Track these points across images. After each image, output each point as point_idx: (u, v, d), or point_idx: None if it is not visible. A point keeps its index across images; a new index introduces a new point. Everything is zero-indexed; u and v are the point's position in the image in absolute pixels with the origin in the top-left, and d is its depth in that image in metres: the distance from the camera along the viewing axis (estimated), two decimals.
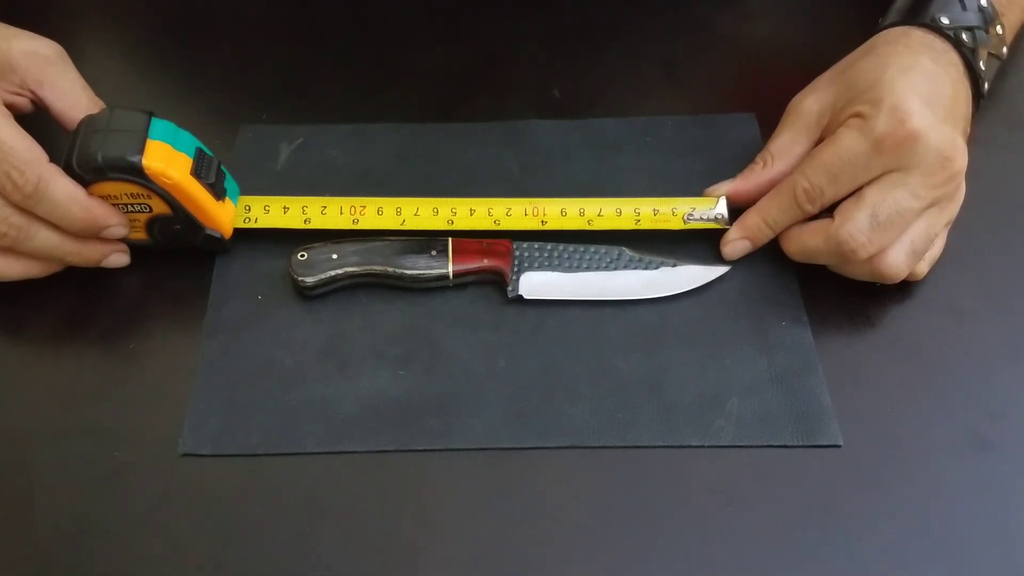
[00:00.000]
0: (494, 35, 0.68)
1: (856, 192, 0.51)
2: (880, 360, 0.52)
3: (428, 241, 0.54)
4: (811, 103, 0.55)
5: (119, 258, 0.54)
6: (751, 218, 0.55)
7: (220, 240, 0.54)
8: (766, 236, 0.55)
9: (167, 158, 0.50)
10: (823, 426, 0.50)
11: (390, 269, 0.53)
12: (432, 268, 0.53)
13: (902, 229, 0.51)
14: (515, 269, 0.54)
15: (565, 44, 0.67)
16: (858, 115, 0.51)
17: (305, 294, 0.53)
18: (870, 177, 0.51)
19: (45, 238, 0.51)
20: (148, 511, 0.47)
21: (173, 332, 0.53)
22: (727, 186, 0.56)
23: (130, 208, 0.52)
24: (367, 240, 0.54)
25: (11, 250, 0.51)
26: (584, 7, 0.69)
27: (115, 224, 0.52)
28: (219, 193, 0.53)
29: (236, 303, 0.54)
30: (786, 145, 0.55)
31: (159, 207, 0.52)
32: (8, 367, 0.52)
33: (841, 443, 0.49)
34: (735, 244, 0.55)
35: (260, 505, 0.47)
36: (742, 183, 0.56)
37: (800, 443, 0.49)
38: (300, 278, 0.53)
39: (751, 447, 0.49)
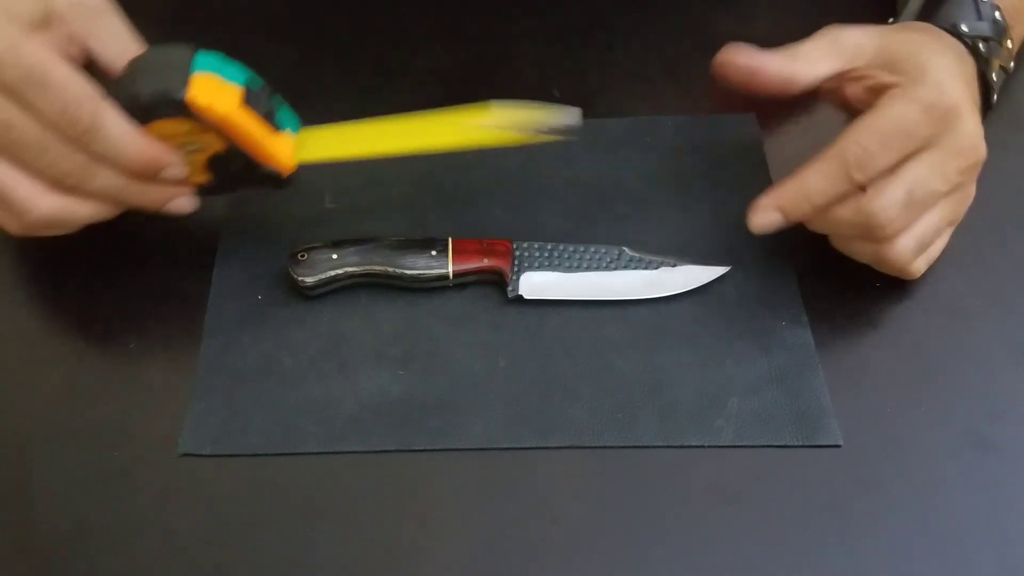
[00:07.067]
0: (494, 35, 0.68)
1: (891, 169, 0.49)
2: (880, 360, 0.52)
3: (428, 241, 0.54)
4: (852, 34, 0.52)
5: (184, 202, 0.52)
6: (790, 189, 0.50)
7: (278, 178, 0.51)
8: (802, 211, 0.50)
9: (213, 91, 0.47)
10: (823, 426, 0.49)
11: (390, 269, 0.53)
12: (432, 268, 0.53)
13: (924, 212, 0.50)
14: (515, 269, 0.54)
15: (565, 44, 0.67)
16: (897, 85, 0.50)
17: (305, 294, 0.53)
18: (913, 148, 0.49)
19: (106, 177, 0.49)
20: (148, 511, 0.47)
21: (173, 332, 0.53)
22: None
23: (187, 148, 0.50)
24: (367, 240, 0.54)
25: (77, 189, 0.49)
26: (584, 7, 0.69)
27: (170, 163, 0.50)
28: (274, 125, 0.50)
29: (236, 303, 0.54)
30: (811, 52, 0.52)
31: (214, 145, 0.50)
32: (8, 367, 0.52)
33: (841, 443, 0.49)
34: (766, 215, 0.51)
35: (260, 505, 0.47)
36: (762, 60, 0.52)
37: (800, 443, 0.49)
38: (300, 278, 0.53)
39: (751, 447, 0.49)
